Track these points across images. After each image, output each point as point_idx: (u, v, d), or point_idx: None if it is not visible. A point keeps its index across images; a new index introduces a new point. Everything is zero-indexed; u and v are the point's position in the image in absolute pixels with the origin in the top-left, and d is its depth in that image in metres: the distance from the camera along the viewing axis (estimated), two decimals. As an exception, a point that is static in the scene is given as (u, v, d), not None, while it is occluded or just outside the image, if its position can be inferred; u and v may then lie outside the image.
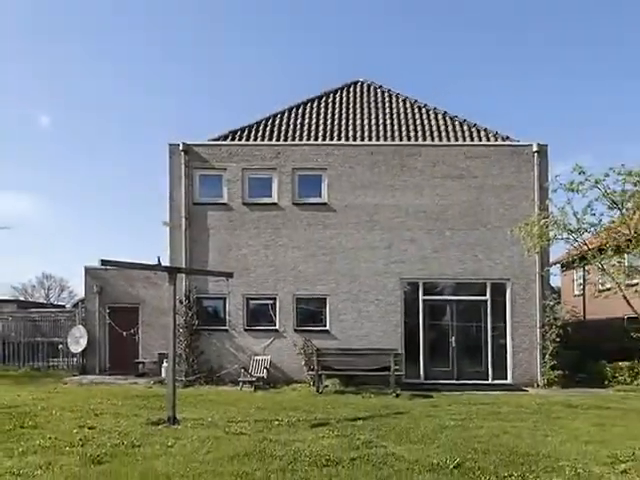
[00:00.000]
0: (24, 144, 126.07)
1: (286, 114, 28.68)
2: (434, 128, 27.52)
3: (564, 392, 21.96)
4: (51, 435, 12.66)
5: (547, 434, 13.29)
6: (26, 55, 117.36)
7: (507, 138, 26.60)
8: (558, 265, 39.25)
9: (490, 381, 24.37)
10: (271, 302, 25.28)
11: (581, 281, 38.58)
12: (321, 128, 27.76)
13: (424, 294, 25.04)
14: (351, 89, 30.53)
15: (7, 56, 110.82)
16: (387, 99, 29.66)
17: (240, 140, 26.86)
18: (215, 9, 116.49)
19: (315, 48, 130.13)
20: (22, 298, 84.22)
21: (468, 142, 26.38)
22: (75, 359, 28.45)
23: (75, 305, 56.16)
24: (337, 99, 29.74)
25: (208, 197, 25.50)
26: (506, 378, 24.43)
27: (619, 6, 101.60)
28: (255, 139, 27.00)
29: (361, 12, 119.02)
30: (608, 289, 21.24)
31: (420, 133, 27.22)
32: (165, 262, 23.31)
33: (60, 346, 29.66)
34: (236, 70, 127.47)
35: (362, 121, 28.03)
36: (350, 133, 27.31)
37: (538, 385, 23.75)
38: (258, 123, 28.04)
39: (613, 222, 19.43)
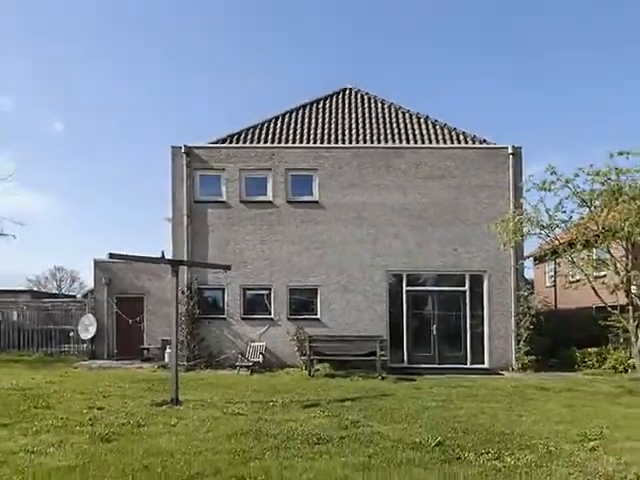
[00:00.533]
0: (33, 145, 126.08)
1: (280, 118, 28.64)
2: (417, 132, 27.49)
3: (537, 376, 21.99)
4: (63, 415, 12.65)
5: (521, 414, 13.32)
6: (27, 55, 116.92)
7: (484, 141, 26.62)
8: (531, 258, 39.28)
9: (469, 365, 24.39)
10: (266, 292, 25.27)
11: (552, 273, 38.62)
12: (312, 132, 27.70)
13: (407, 285, 25.07)
14: (340, 96, 30.50)
15: (9, 56, 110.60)
16: (373, 105, 29.65)
17: (237, 142, 26.82)
18: (214, 14, 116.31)
19: (308, 55, 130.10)
20: (36, 289, 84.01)
21: (448, 145, 26.36)
22: (85, 345, 28.47)
23: (85, 295, 55.94)
24: (327, 105, 29.71)
25: (208, 196, 25.46)
26: (483, 363, 24.48)
27: (609, 6, 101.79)
28: (251, 142, 26.93)
29: (352, 24, 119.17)
30: (577, 281, 21.27)
31: (404, 136, 27.18)
32: (168, 255, 23.34)
33: (71, 333, 29.78)
34: (234, 72, 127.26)
35: (350, 125, 28.00)
36: (339, 136, 27.25)
37: (513, 369, 23.79)
38: (254, 127, 27.99)
39: (582, 219, 19.48)
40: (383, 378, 20.68)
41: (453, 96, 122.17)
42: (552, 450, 9.71)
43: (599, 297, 18.83)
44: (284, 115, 28.93)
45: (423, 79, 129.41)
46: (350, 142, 26.74)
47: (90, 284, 37.11)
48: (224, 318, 25.19)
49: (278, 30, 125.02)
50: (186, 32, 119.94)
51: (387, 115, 28.84)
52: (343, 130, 27.72)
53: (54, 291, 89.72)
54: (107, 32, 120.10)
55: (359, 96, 30.45)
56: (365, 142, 26.76)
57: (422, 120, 28.38)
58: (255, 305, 25.43)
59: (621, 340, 22.74)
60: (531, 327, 23.81)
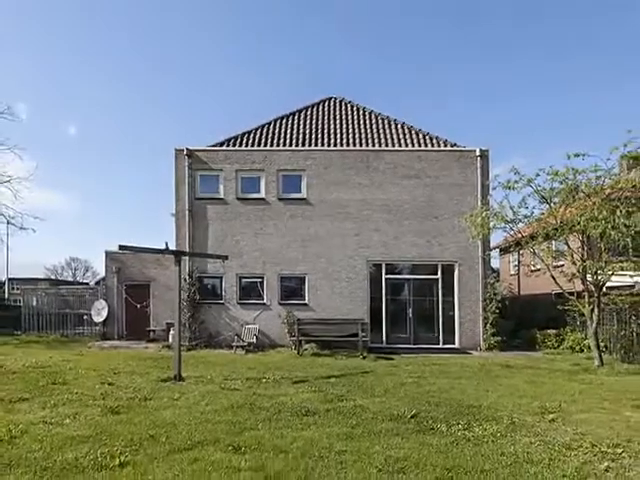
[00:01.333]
0: (49, 148, 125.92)
1: (272, 124, 28.61)
2: (394, 136, 27.49)
3: (502, 355, 22.05)
4: (77, 390, 12.64)
5: (488, 389, 13.32)
6: (40, 63, 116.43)
7: (455, 144, 26.57)
8: (497, 249, 39.55)
9: (441, 345, 24.44)
10: (259, 280, 25.26)
11: (516, 263, 38.77)
12: (301, 136, 27.66)
13: (386, 273, 25.08)
14: (326, 104, 30.44)
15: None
16: (355, 112, 29.63)
17: (234, 146, 26.75)
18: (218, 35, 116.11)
19: (298, 67, 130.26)
20: (53, 277, 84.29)
21: (422, 148, 26.30)
22: (97, 327, 28.42)
23: (97, 283, 56.00)
24: (314, 112, 29.67)
25: (207, 193, 25.41)
26: (454, 343, 24.54)
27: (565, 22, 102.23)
28: (246, 145, 26.87)
29: (338, 41, 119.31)
30: (538, 269, 21.38)
31: (383, 140, 27.18)
32: (172, 247, 23.29)
33: (85, 317, 29.86)
34: (233, 80, 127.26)
35: (335, 130, 27.99)
36: (325, 140, 27.22)
37: (481, 349, 23.85)
38: (249, 132, 27.95)
39: (543, 214, 19.54)
40: (364, 357, 20.66)
41: (410, 108, 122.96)
42: (515, 421, 9.75)
43: (558, 284, 18.88)
44: (275, 121, 28.92)
45: (384, 94, 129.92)
46: (335, 145, 26.70)
47: (102, 273, 37.13)
48: (222, 303, 25.22)
49: (273, 53, 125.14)
50: (192, 51, 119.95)
51: (368, 121, 28.86)
52: (328, 134, 27.70)
53: (70, 279, 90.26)
54: (116, 42, 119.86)
55: (342, 104, 30.41)
56: (348, 145, 26.72)
57: (399, 125, 28.39)
58: (249, 291, 25.43)
59: (577, 323, 22.81)
60: (497, 311, 23.92)
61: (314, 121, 28.96)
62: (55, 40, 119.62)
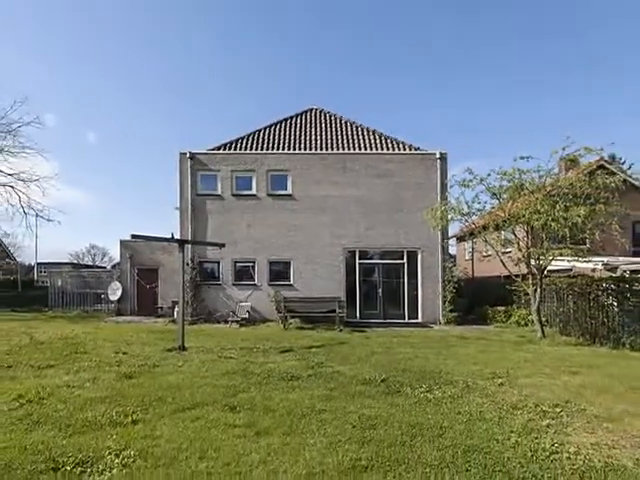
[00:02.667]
0: (72, 152, 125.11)
1: (262, 131, 28.49)
2: (366, 141, 27.46)
3: (459, 328, 22.11)
4: (96, 358, 12.61)
5: (446, 358, 13.34)
6: (65, 76, 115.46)
7: (418, 148, 26.61)
8: (454, 238, 39.67)
9: (406, 320, 24.45)
10: (251, 264, 25.23)
11: (470, 250, 38.98)
12: (287, 141, 27.56)
13: (360, 259, 25.06)
14: (308, 114, 30.34)
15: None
16: (333, 120, 29.55)
17: (230, 150, 26.67)
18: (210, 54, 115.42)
19: (285, 82, 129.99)
20: (75, 261, 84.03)
21: (391, 151, 26.35)
22: (113, 305, 28.36)
23: (113, 266, 55.75)
24: (298, 121, 29.56)
25: (207, 190, 25.31)
26: (418, 318, 24.56)
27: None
28: (240, 149, 26.77)
29: (321, 58, 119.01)
30: (489, 255, 21.41)
31: (357, 145, 27.13)
32: (177, 236, 23.17)
33: (102, 295, 30.00)
34: (230, 94, 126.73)
35: (315, 136, 27.90)
36: (307, 145, 27.13)
37: (440, 323, 23.93)
38: (242, 138, 27.82)
39: (493, 208, 19.66)
40: (341, 330, 20.67)
41: (380, 116, 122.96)
42: (470, 385, 9.76)
43: (506, 268, 19.01)
44: (265, 128, 28.81)
45: (357, 104, 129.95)
46: (316, 149, 26.64)
47: (117, 258, 37.00)
48: (219, 284, 25.17)
49: (263, 70, 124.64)
50: (189, 67, 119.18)
51: (344, 128, 28.82)
52: (310, 140, 27.62)
53: (90, 263, 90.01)
54: (128, 58, 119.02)
55: (322, 114, 30.30)
56: (327, 149, 26.66)
57: (371, 132, 28.36)
58: (243, 274, 25.38)
59: (522, 301, 22.90)
60: (454, 291, 24.06)
61: (298, 128, 28.88)
62: (78, 57, 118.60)
